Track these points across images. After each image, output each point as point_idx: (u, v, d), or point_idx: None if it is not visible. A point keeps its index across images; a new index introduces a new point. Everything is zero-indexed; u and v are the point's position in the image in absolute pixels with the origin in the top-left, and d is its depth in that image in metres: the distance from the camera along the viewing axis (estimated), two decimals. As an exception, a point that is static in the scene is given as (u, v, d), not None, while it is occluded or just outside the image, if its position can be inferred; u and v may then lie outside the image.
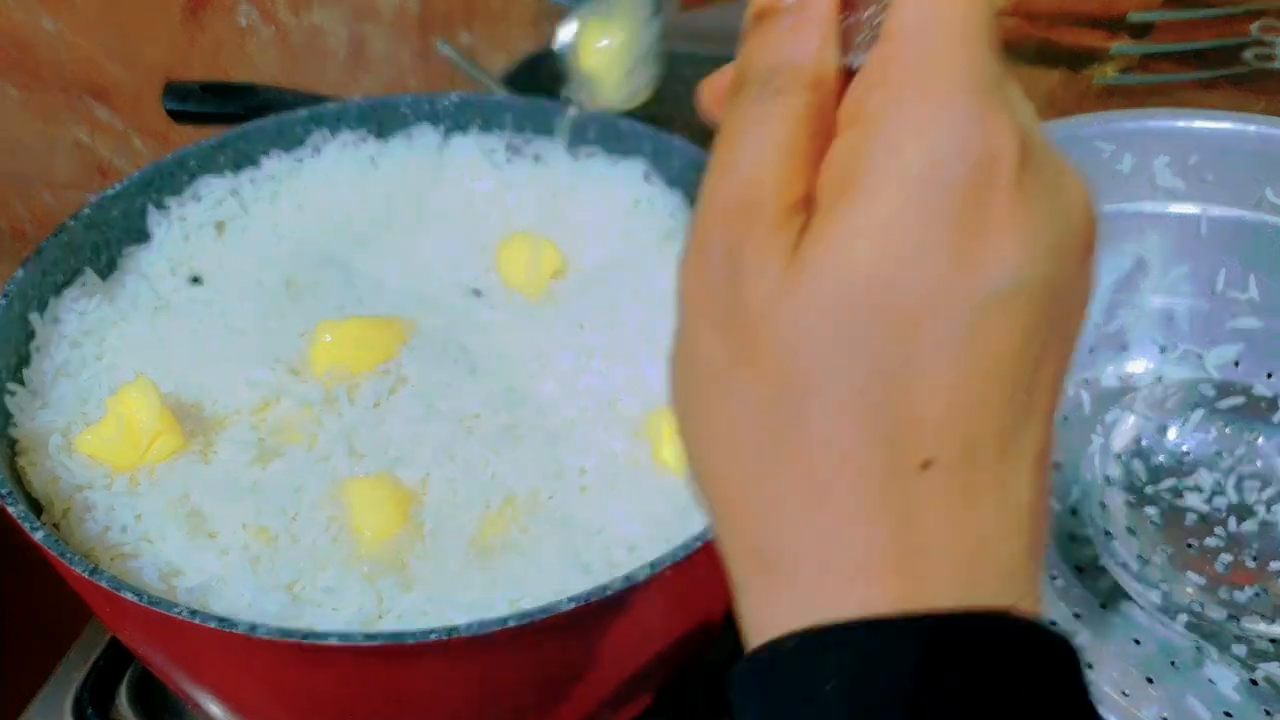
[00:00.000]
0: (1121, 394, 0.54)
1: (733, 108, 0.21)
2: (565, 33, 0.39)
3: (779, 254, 0.19)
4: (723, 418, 0.21)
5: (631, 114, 0.74)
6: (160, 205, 0.53)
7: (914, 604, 0.18)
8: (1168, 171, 0.53)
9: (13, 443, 0.43)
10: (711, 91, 0.25)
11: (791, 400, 0.19)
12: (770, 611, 0.20)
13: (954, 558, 0.18)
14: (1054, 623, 0.44)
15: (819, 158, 0.20)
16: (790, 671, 0.19)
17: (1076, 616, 0.46)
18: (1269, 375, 0.55)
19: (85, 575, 0.35)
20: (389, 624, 0.38)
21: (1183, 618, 0.45)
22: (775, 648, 0.19)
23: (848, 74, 0.21)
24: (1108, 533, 0.48)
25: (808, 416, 0.19)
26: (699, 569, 0.38)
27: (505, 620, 0.33)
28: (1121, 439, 0.51)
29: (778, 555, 0.19)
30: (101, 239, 0.50)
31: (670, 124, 0.83)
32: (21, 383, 0.45)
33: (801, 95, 0.20)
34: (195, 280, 0.51)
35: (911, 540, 0.18)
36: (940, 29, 0.19)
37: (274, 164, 0.56)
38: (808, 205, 0.20)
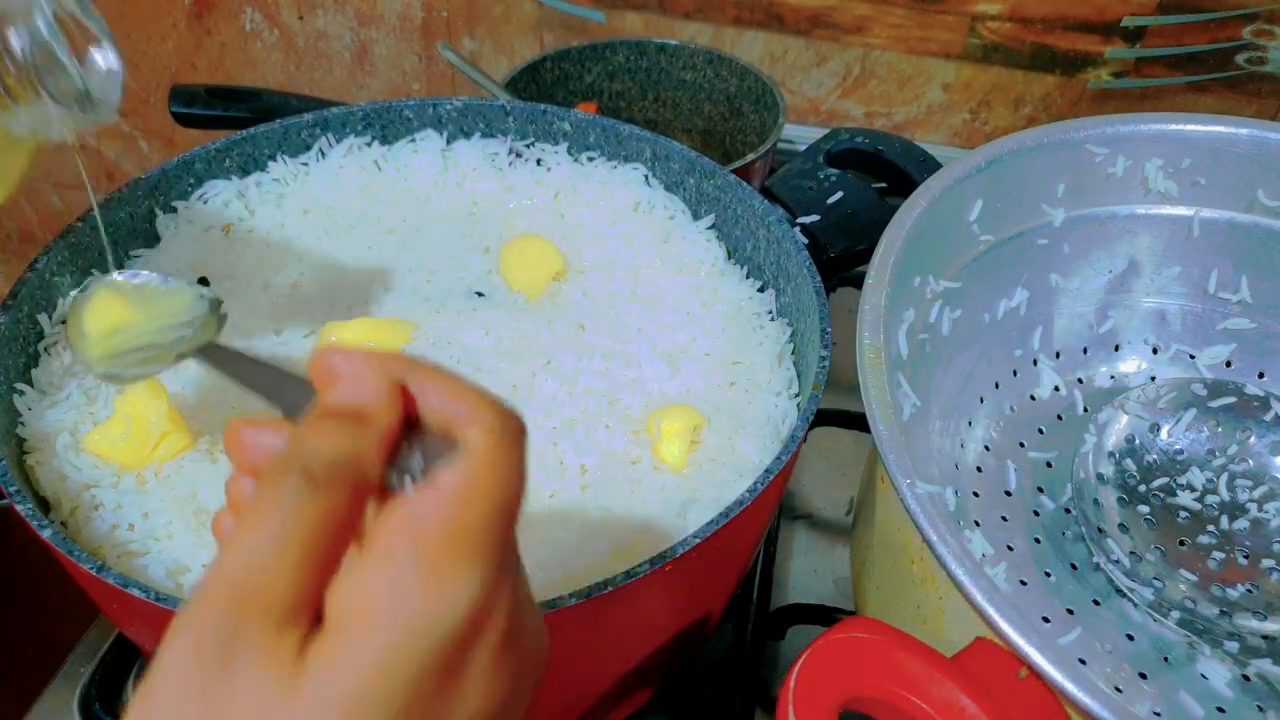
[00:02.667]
0: (1114, 393, 0.54)
1: (270, 488, 0.22)
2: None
3: (278, 659, 0.21)
4: None
5: (631, 119, 0.74)
6: (167, 208, 0.53)
7: None
8: (1160, 174, 0.53)
9: (21, 441, 0.44)
10: (237, 436, 0.26)
11: None
12: None
13: None
14: (1047, 619, 0.44)
15: (334, 564, 0.23)
16: None
17: (1070, 613, 0.46)
18: (1260, 375, 0.55)
19: (93, 573, 0.35)
20: (393, 619, 0.39)
21: (1175, 614, 0.45)
22: None
23: (382, 489, 0.24)
24: (1101, 530, 0.48)
25: None
26: (698, 566, 0.38)
27: (507, 615, 0.34)
28: (1114, 438, 0.51)
29: None
30: (109, 241, 0.51)
31: (669, 129, 0.83)
32: (30, 383, 0.45)
33: (340, 494, 0.22)
34: (203, 282, 0.52)
35: None
36: (472, 508, 0.22)
37: (280, 168, 0.56)
38: (310, 610, 0.22)
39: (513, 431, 0.24)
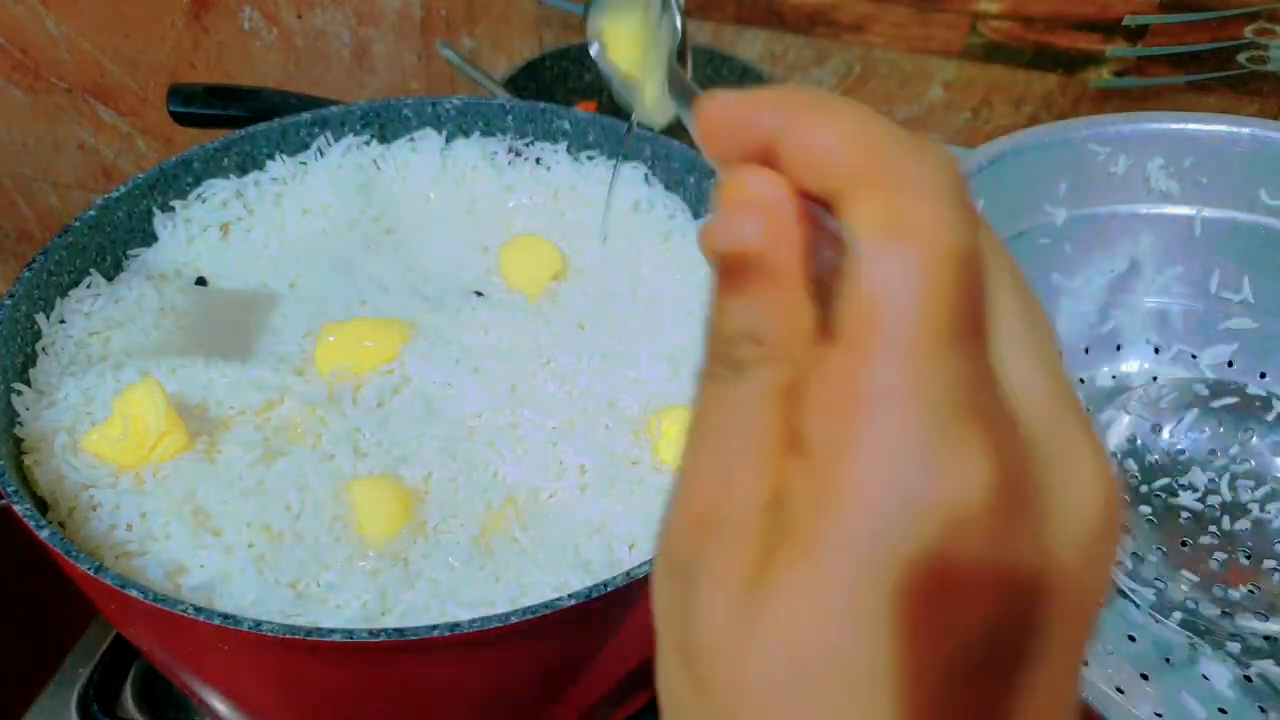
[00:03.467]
0: (1116, 393, 0.54)
1: (699, 392, 0.19)
2: (593, 46, 0.39)
3: (735, 577, 0.18)
4: None
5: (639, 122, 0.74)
6: (165, 207, 0.53)
7: None
8: (1162, 174, 0.53)
9: (19, 441, 0.43)
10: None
11: None
12: None
13: None
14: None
15: (792, 440, 0.18)
16: None
17: (1071, 614, 0.46)
18: (1262, 375, 0.55)
19: (90, 573, 0.35)
20: (392, 621, 0.39)
21: (1177, 615, 0.45)
22: None
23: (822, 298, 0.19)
24: (1103, 531, 0.48)
25: None
26: (698, 566, 0.38)
27: (507, 617, 0.34)
28: (1116, 438, 0.51)
29: None
30: (107, 240, 0.51)
31: (669, 127, 0.83)
32: (28, 383, 0.45)
33: (771, 368, 0.18)
34: (200, 281, 0.52)
35: None
36: (899, 331, 0.16)
37: (278, 167, 0.56)
38: (777, 503, 0.18)
39: (945, 176, 0.17)
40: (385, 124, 0.58)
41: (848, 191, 0.17)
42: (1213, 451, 0.51)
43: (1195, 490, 0.49)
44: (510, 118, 0.58)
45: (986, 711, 0.17)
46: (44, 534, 0.36)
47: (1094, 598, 0.18)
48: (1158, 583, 0.46)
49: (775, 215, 0.18)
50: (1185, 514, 0.49)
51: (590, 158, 0.58)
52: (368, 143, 0.58)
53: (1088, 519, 0.17)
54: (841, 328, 0.17)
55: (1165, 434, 0.51)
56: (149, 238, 0.53)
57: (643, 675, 0.45)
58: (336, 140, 0.57)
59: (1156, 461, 0.51)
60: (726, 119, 0.19)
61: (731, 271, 0.19)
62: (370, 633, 0.34)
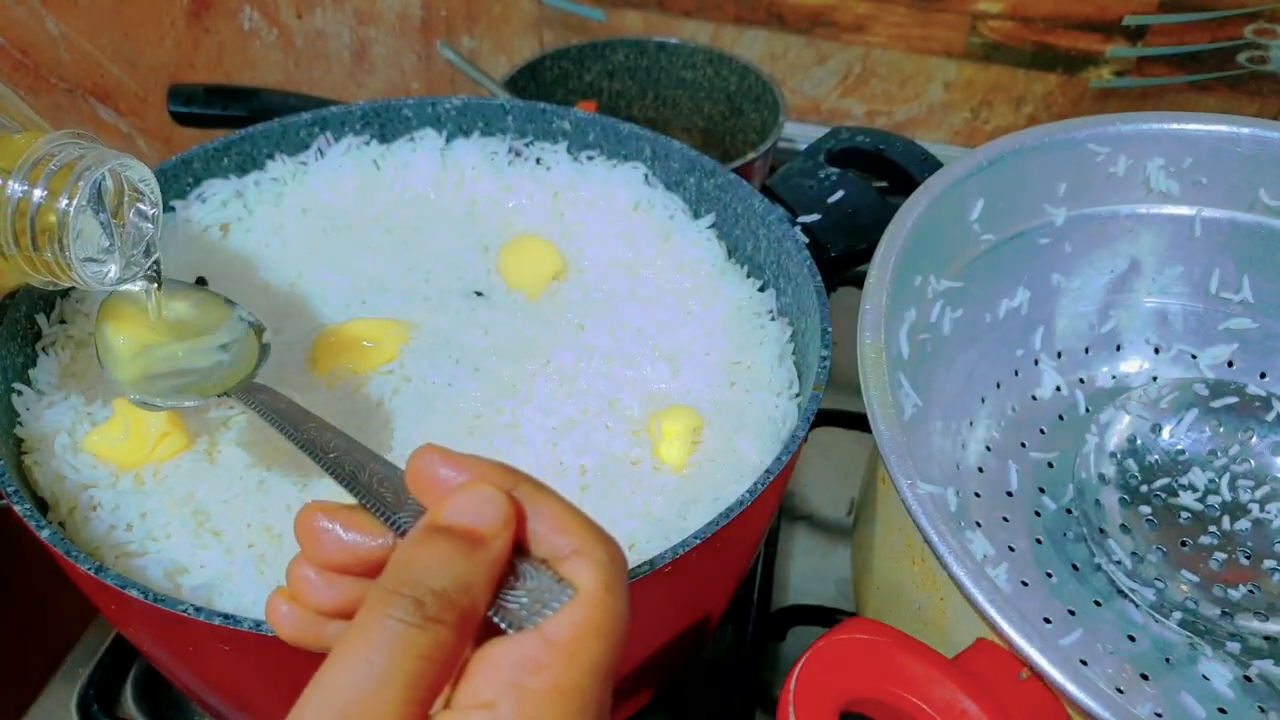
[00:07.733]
0: (1116, 393, 0.54)
1: (376, 612, 0.21)
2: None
3: None
4: None
5: (631, 117, 0.74)
6: (165, 208, 0.53)
7: None
8: (1162, 174, 0.53)
9: (19, 442, 0.43)
10: (310, 524, 0.27)
11: None
12: None
13: None
14: (1049, 620, 0.44)
15: (432, 701, 0.22)
16: None
17: (1071, 614, 0.46)
18: (1262, 375, 0.55)
19: (91, 573, 0.35)
20: (392, 621, 0.38)
21: (1177, 615, 0.45)
22: None
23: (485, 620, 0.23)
24: (1102, 530, 0.48)
25: None
26: (698, 567, 0.38)
27: (507, 616, 0.34)
28: (1116, 438, 0.51)
29: None
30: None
31: (669, 127, 0.83)
32: (28, 383, 0.45)
33: (450, 629, 0.21)
34: (200, 281, 0.52)
35: None
36: (579, 665, 0.21)
37: (278, 167, 0.56)
38: None
39: (621, 572, 0.23)
40: (385, 124, 0.58)
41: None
42: (1213, 451, 0.51)
43: (1195, 490, 0.49)
44: (510, 118, 0.58)
45: None
46: (44, 534, 0.36)
47: None
48: (1158, 583, 0.46)
49: (511, 512, 0.23)
50: (1185, 514, 0.49)
51: (590, 158, 0.58)
52: (368, 143, 0.58)
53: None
54: (545, 629, 0.22)
55: (1165, 434, 0.51)
56: (149, 238, 0.53)
57: (643, 675, 0.45)
58: (336, 140, 0.57)
59: (1156, 461, 0.51)
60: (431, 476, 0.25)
61: (450, 532, 0.23)
62: (370, 633, 0.34)
